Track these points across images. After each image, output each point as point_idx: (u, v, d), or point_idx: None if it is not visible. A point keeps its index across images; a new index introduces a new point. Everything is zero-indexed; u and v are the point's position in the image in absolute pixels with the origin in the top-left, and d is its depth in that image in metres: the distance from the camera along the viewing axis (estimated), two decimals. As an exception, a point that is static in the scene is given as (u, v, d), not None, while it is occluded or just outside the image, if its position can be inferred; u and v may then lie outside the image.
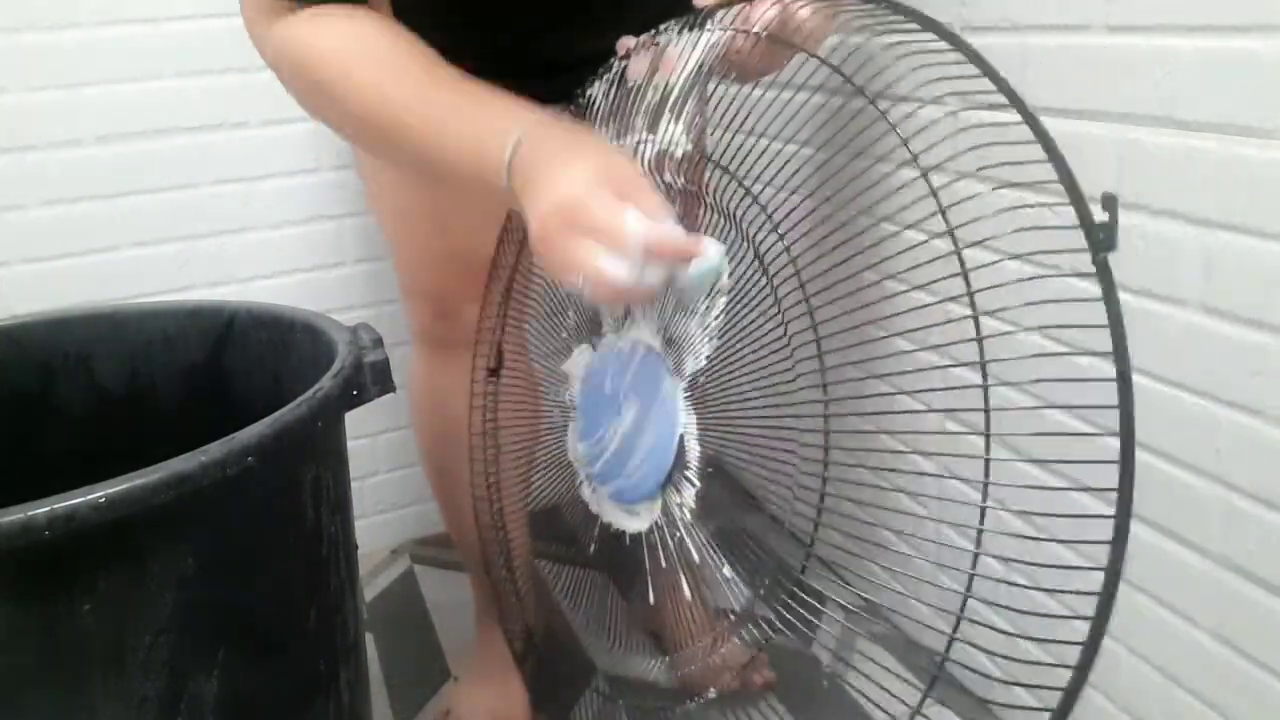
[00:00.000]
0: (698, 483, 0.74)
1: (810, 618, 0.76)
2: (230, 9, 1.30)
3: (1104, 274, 0.56)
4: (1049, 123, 0.91)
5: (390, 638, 1.36)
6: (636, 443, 0.77)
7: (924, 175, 0.65)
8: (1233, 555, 0.81)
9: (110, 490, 0.57)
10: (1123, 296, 0.87)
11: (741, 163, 0.75)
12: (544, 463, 1.07)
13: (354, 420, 0.84)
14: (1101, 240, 0.56)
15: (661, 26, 0.80)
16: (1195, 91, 0.77)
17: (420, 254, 1.03)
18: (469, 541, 1.18)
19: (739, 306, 0.72)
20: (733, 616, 0.95)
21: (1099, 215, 0.55)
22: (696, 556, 0.74)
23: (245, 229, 1.39)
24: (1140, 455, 0.88)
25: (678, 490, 0.76)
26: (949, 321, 0.68)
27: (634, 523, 0.80)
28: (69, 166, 1.28)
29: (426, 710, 1.21)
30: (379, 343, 0.83)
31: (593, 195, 0.62)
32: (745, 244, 0.72)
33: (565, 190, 0.63)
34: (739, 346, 0.73)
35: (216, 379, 0.98)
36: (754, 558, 0.77)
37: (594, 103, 0.83)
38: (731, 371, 0.73)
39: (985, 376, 0.66)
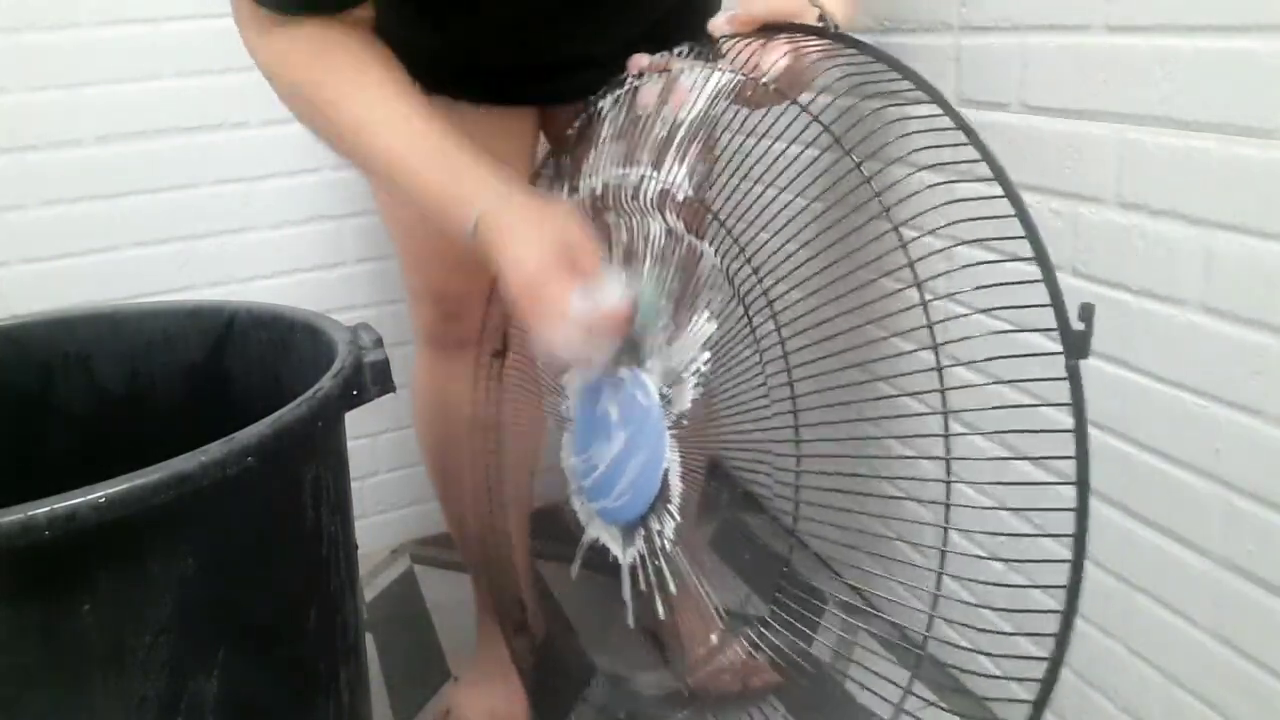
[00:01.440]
0: (678, 517, 0.77)
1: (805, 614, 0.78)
2: (230, 9, 1.30)
3: (1074, 379, 0.58)
4: (1049, 122, 0.91)
5: (390, 638, 1.36)
6: (624, 469, 0.80)
7: (904, 245, 0.68)
8: (1232, 555, 0.81)
9: (110, 490, 0.57)
10: (1123, 296, 0.87)
11: (737, 221, 0.78)
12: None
13: (354, 420, 0.84)
14: (1075, 347, 0.57)
15: (675, 51, 0.79)
16: (1195, 91, 0.77)
17: (426, 256, 1.03)
18: (470, 542, 1.18)
19: (726, 357, 0.76)
20: (726, 618, 0.96)
21: (1076, 324, 0.56)
22: (673, 586, 0.78)
23: (245, 229, 1.39)
24: (1140, 455, 0.88)
25: (659, 520, 0.79)
26: (925, 370, 0.70)
27: (616, 546, 0.84)
28: (69, 166, 1.28)
29: (426, 710, 1.22)
30: (379, 343, 0.83)
31: (546, 277, 0.70)
32: (736, 300, 0.76)
33: (526, 268, 0.71)
34: (722, 393, 0.77)
35: (216, 379, 0.98)
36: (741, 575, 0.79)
37: (603, 114, 0.83)
38: (713, 416, 0.77)
39: (946, 418, 0.68)
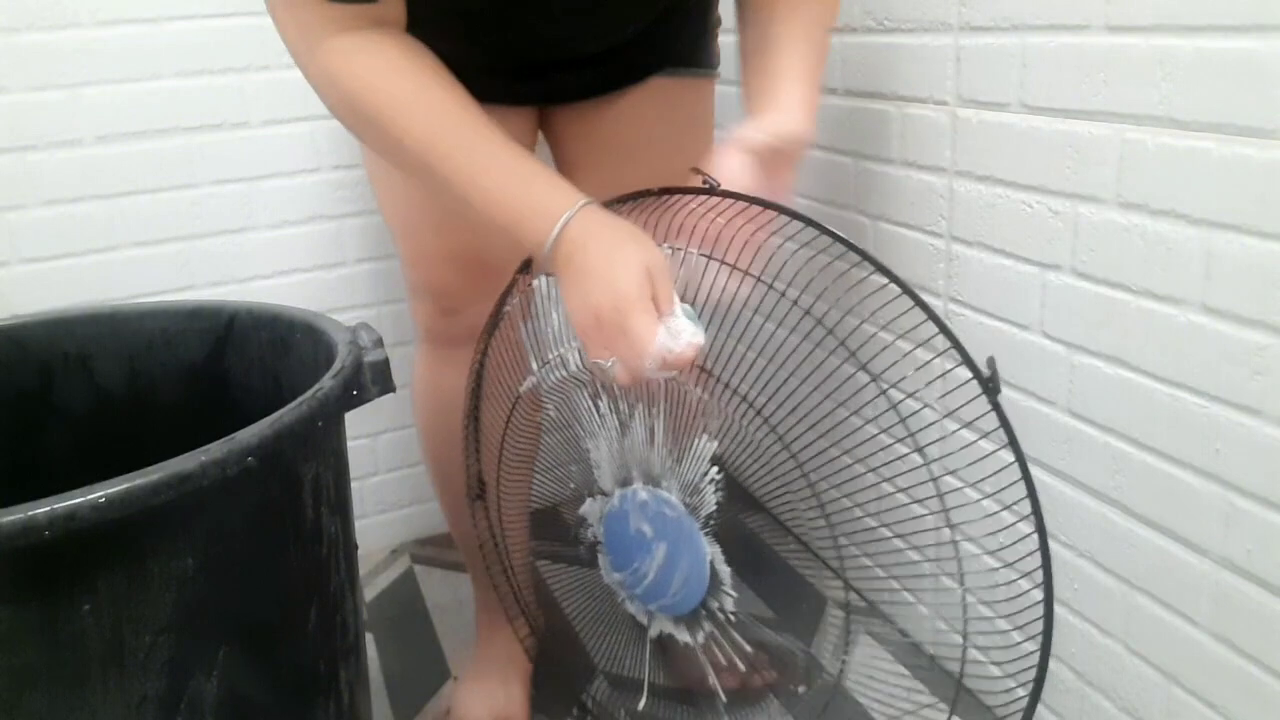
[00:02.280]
0: (734, 593, 0.90)
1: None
2: (231, 9, 1.30)
3: (999, 410, 0.74)
4: (1049, 122, 0.91)
5: (390, 638, 1.36)
6: (673, 573, 0.91)
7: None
8: (1232, 555, 0.81)
9: (110, 490, 0.57)
10: (1123, 296, 0.87)
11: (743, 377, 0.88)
12: (546, 466, 1.08)
13: (354, 420, 0.84)
14: (991, 388, 0.73)
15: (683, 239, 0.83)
16: (1195, 91, 0.77)
17: (425, 253, 1.03)
18: (470, 541, 1.18)
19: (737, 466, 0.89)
20: (730, 616, 1.00)
21: (985, 371, 0.73)
22: (747, 647, 0.92)
23: (245, 229, 1.39)
24: (1140, 455, 0.88)
25: (719, 599, 0.91)
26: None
27: (686, 634, 0.96)
28: (69, 166, 1.28)
29: (426, 710, 1.22)
30: (379, 343, 0.83)
31: (632, 307, 0.73)
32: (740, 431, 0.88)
33: (614, 291, 0.73)
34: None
35: (216, 379, 0.98)
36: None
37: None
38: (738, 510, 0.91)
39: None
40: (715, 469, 0.85)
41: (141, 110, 1.30)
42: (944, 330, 0.74)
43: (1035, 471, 1.01)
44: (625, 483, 0.93)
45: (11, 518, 0.55)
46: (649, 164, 0.92)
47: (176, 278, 1.37)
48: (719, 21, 1.06)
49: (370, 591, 1.47)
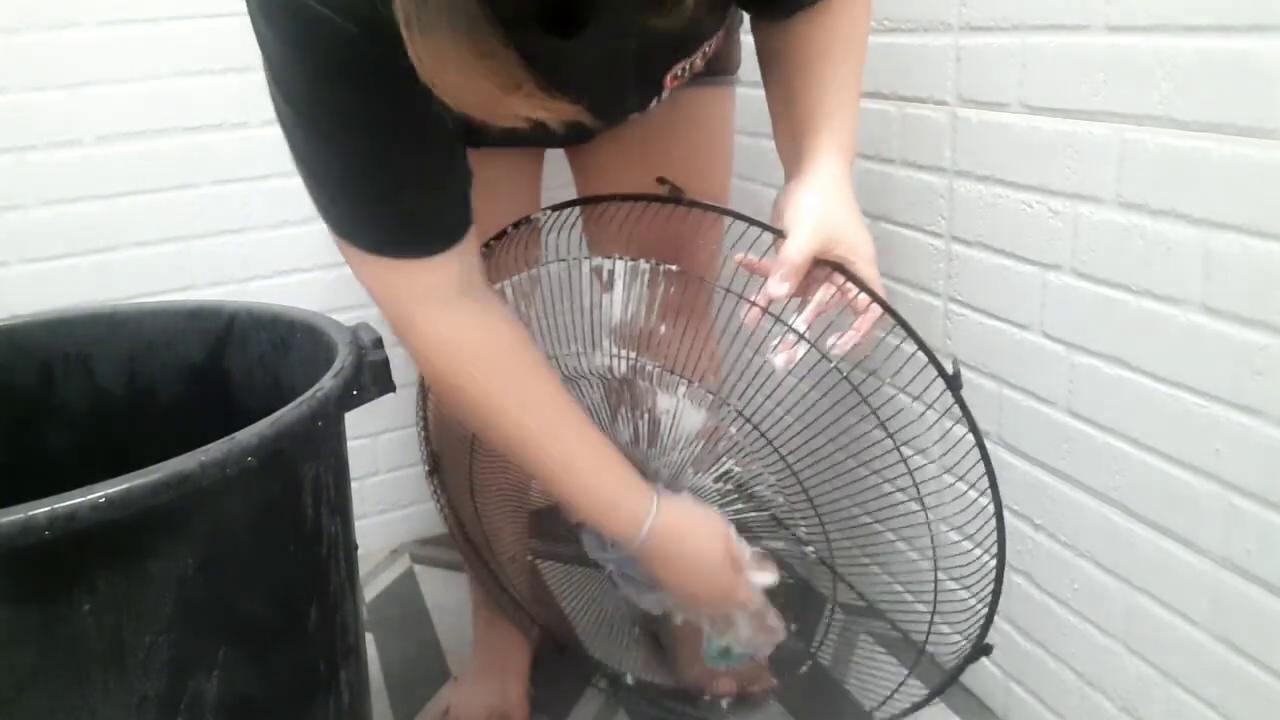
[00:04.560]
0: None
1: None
2: (230, 9, 1.30)
3: (963, 405, 0.80)
4: (1049, 122, 0.91)
5: (390, 638, 1.36)
6: None
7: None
8: (1232, 555, 0.81)
9: (110, 490, 0.57)
10: (1123, 296, 0.87)
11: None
12: None
13: (354, 420, 0.84)
14: (955, 384, 0.80)
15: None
16: (1195, 91, 0.77)
17: None
18: (469, 539, 1.18)
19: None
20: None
21: (950, 369, 0.79)
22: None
23: (245, 229, 1.39)
24: (1140, 455, 0.88)
25: None
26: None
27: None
28: (69, 166, 1.28)
29: (426, 710, 1.21)
30: (379, 343, 0.83)
31: (734, 584, 0.88)
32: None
33: (712, 584, 0.88)
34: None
35: (216, 379, 0.97)
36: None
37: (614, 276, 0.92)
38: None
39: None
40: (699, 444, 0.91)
41: (141, 110, 1.30)
42: (908, 331, 0.79)
43: (1034, 471, 1.01)
44: None
45: (11, 518, 0.55)
46: (668, 171, 0.92)
47: (176, 278, 1.37)
48: (740, 22, 1.05)
49: (370, 591, 1.47)
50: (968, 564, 0.91)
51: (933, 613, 0.93)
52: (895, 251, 1.14)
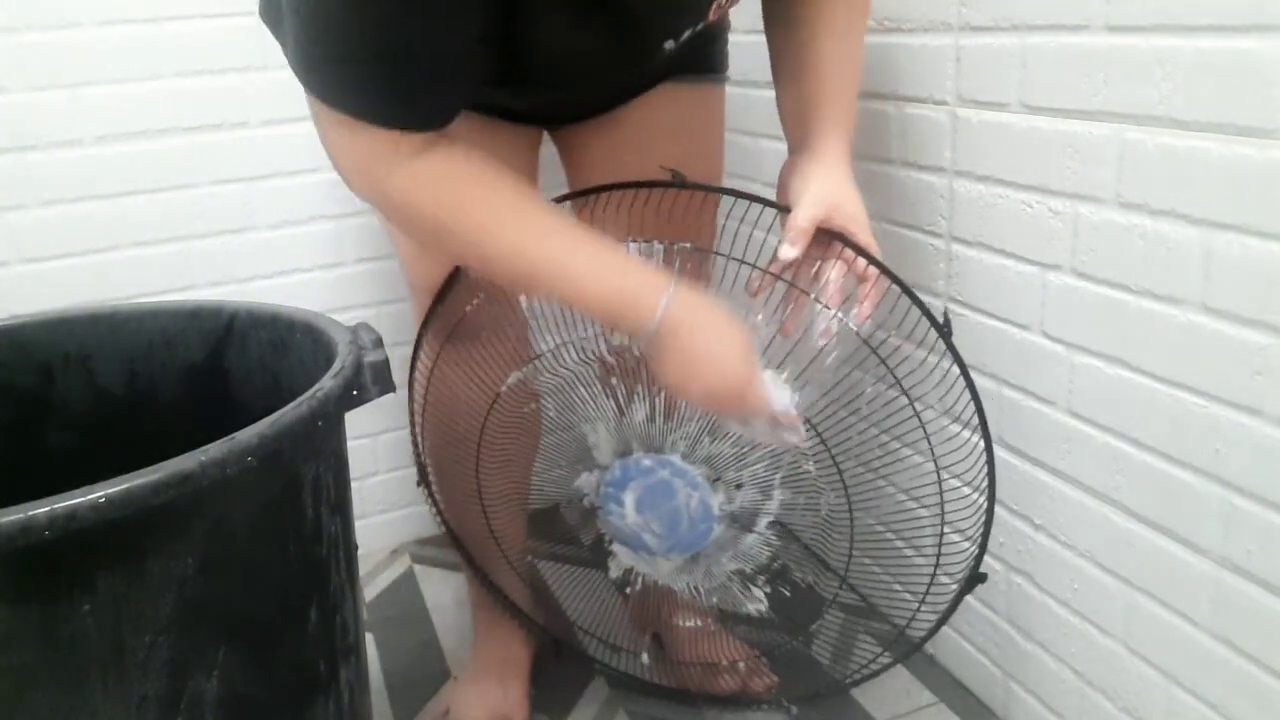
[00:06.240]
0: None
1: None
2: (231, 9, 1.30)
3: (954, 351, 0.91)
4: (1049, 122, 0.91)
5: (390, 638, 1.36)
6: (675, 499, 1.01)
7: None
8: (1232, 555, 0.81)
9: (110, 490, 0.57)
10: (1123, 296, 0.87)
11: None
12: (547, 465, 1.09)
13: (354, 420, 0.84)
14: (946, 332, 0.91)
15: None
16: (1195, 91, 0.77)
17: (424, 253, 1.04)
18: (468, 538, 1.18)
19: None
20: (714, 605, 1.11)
21: (941, 319, 0.91)
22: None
23: (245, 229, 1.39)
24: (1140, 455, 0.88)
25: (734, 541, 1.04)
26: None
27: (693, 577, 1.06)
28: (69, 166, 1.28)
29: (426, 710, 1.21)
30: (379, 343, 0.83)
31: (747, 380, 0.84)
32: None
33: (727, 373, 0.83)
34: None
35: (216, 379, 0.98)
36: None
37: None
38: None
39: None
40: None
41: (141, 110, 1.30)
42: (895, 280, 0.90)
43: (1035, 471, 1.01)
44: (625, 455, 1.01)
45: (11, 518, 0.55)
46: (660, 169, 0.94)
47: (176, 278, 1.37)
48: (729, 26, 1.06)
49: (370, 591, 1.47)
50: (963, 505, 0.97)
51: (939, 546, 0.97)
52: (895, 251, 1.14)
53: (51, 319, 0.96)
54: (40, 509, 0.55)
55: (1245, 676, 0.82)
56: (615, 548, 1.07)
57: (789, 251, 0.88)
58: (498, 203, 0.80)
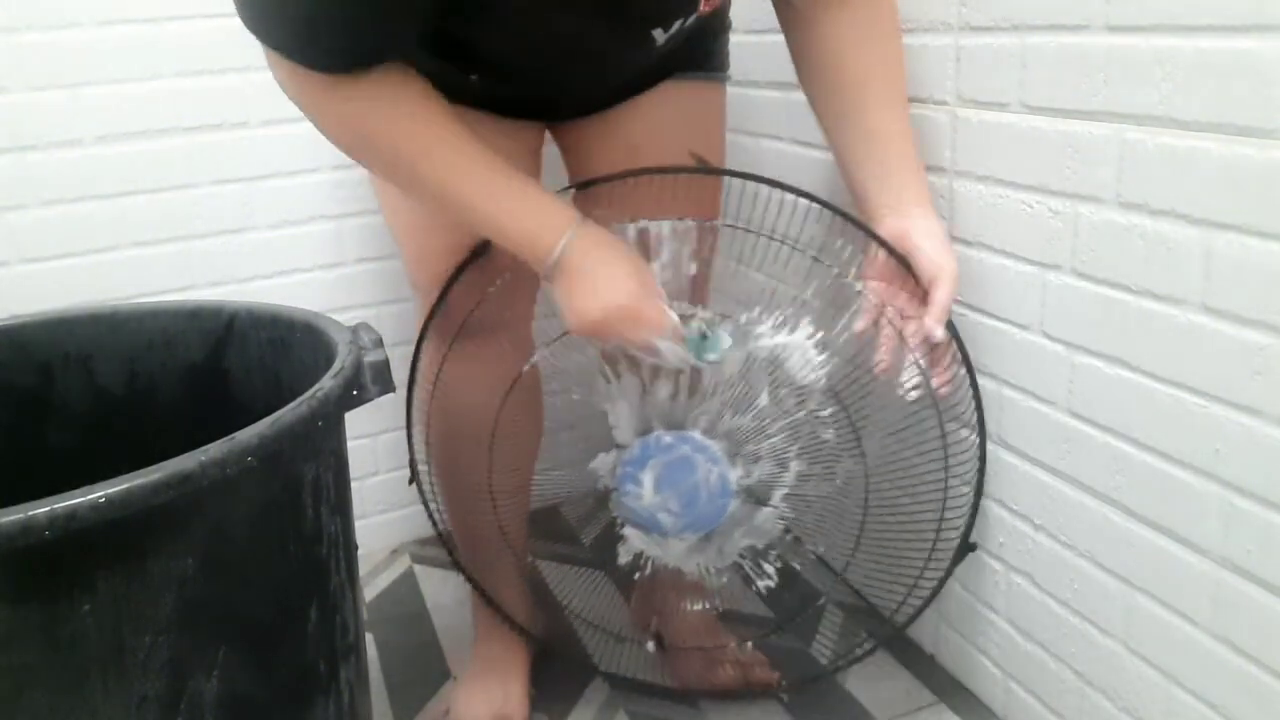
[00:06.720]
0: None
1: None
2: (230, 9, 1.30)
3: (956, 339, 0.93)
4: (1049, 122, 0.91)
5: (390, 638, 1.36)
6: (695, 475, 1.03)
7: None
8: (1232, 555, 0.81)
9: (110, 490, 0.57)
10: (1123, 296, 0.87)
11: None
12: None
13: (354, 420, 0.84)
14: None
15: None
16: (1195, 91, 0.77)
17: (427, 251, 1.04)
18: (471, 538, 1.18)
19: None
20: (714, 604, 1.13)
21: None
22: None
23: (245, 229, 1.39)
24: (1140, 455, 0.88)
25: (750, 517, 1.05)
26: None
27: (708, 557, 1.07)
28: (69, 166, 1.28)
29: (426, 710, 1.21)
30: (379, 343, 0.83)
31: (644, 297, 0.87)
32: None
33: (621, 289, 0.86)
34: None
35: (216, 379, 0.98)
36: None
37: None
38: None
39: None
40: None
41: (141, 110, 1.30)
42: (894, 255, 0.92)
43: (1035, 471, 1.01)
44: (645, 433, 1.03)
45: (11, 518, 0.55)
46: (688, 155, 0.95)
47: (176, 278, 1.37)
48: (729, 26, 1.06)
49: (370, 591, 1.47)
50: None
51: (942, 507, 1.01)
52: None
53: (51, 319, 0.96)
54: (40, 509, 0.55)
55: (1245, 676, 0.82)
56: (626, 531, 1.07)
57: (940, 331, 0.93)
58: (422, 140, 0.83)
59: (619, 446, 1.04)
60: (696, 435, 1.01)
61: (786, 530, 1.06)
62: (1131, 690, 0.94)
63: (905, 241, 0.94)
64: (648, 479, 1.02)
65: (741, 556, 1.06)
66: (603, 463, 1.06)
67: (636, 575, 1.09)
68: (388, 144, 0.83)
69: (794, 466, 1.02)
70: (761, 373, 0.99)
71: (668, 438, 1.02)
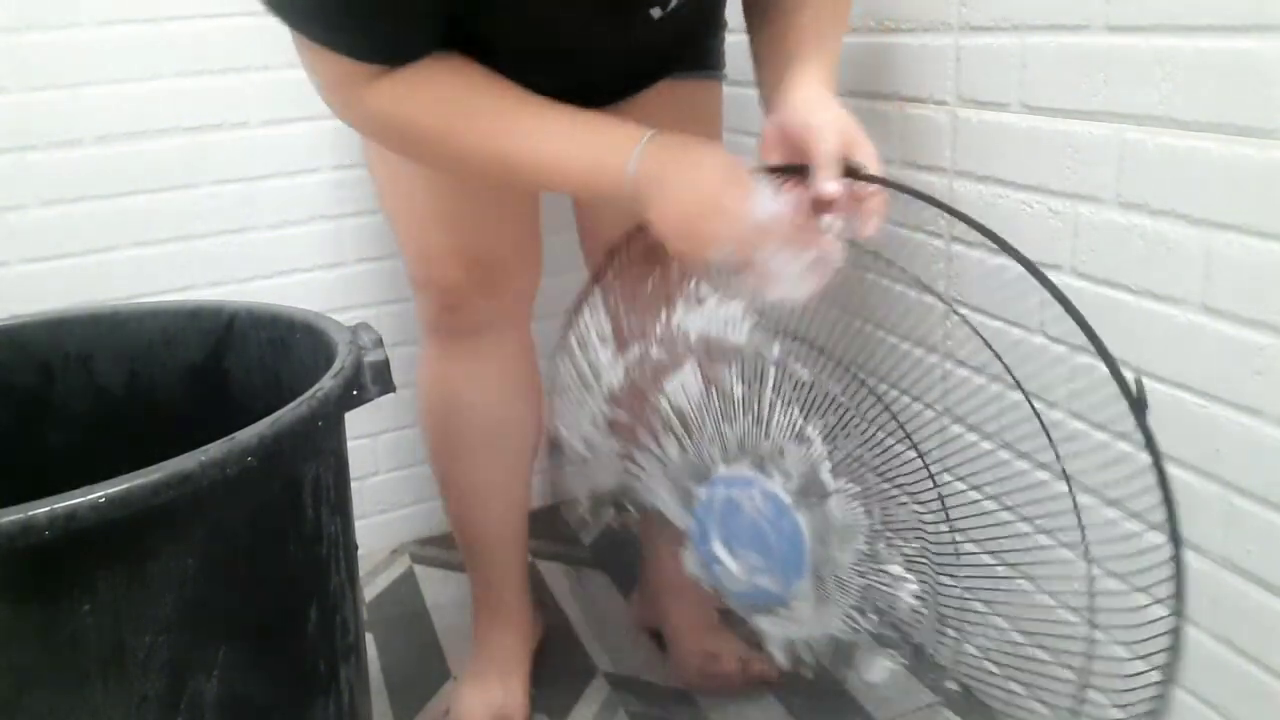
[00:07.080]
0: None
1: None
2: (231, 9, 1.30)
3: (1146, 432, 0.69)
4: (1049, 122, 0.91)
5: (390, 638, 1.36)
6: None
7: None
8: (1233, 555, 0.81)
9: (110, 490, 0.57)
10: (1123, 296, 0.87)
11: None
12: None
13: (354, 420, 0.84)
14: (1141, 405, 0.69)
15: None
16: (1195, 91, 0.77)
17: (429, 250, 1.04)
18: (471, 538, 1.18)
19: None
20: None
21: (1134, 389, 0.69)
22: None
23: (245, 229, 1.39)
24: (1140, 455, 0.88)
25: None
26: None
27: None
28: (69, 166, 1.28)
29: (426, 710, 1.21)
30: (379, 343, 0.83)
31: (727, 186, 0.76)
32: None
33: (702, 182, 0.76)
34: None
35: (216, 379, 0.98)
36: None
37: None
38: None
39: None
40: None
41: (141, 110, 1.30)
42: (1094, 340, 0.68)
43: (1035, 471, 1.01)
44: (688, 503, 0.89)
45: (11, 518, 0.55)
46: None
47: (176, 278, 1.37)
48: (725, 24, 1.06)
49: (370, 591, 1.47)
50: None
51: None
52: (895, 252, 1.14)
53: (51, 319, 0.96)
54: (40, 509, 0.55)
55: (1245, 676, 0.82)
56: (759, 628, 0.88)
57: (833, 186, 0.75)
58: (463, 105, 0.80)
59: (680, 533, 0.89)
60: (721, 470, 0.86)
61: (867, 510, 0.85)
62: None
63: (796, 129, 0.80)
64: (721, 551, 0.86)
65: (861, 569, 0.87)
66: (691, 562, 0.89)
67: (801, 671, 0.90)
68: (429, 120, 0.80)
69: (811, 432, 0.85)
70: (717, 363, 0.85)
71: (700, 492, 0.87)
